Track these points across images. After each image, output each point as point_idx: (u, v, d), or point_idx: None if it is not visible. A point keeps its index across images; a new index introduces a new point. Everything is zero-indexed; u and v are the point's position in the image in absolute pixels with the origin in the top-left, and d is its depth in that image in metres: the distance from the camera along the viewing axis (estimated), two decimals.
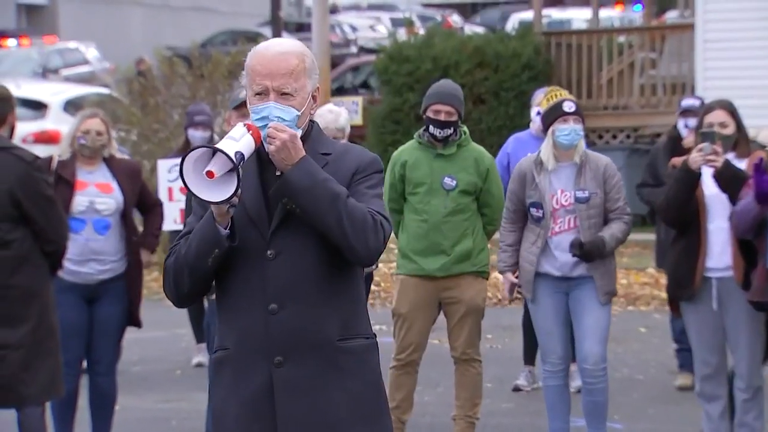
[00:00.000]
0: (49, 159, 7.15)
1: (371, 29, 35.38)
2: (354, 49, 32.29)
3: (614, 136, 16.86)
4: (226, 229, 3.79)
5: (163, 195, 9.37)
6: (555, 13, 32.91)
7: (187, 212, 6.74)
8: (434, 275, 7.19)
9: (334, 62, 20.93)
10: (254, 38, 25.11)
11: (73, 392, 7.12)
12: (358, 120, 15.66)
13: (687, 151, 6.78)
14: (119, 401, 7.41)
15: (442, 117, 7.17)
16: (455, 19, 34.78)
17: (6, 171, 6.39)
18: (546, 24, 23.37)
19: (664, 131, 10.22)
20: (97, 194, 7.09)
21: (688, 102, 9.07)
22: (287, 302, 3.81)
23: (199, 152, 3.71)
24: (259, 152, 3.86)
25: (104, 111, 7.93)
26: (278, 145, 3.77)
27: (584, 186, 6.92)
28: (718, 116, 6.52)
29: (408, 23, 21.69)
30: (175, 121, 14.77)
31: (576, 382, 8.03)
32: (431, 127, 7.21)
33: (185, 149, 9.01)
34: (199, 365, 9.56)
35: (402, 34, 20.11)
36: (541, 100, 8.08)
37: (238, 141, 3.75)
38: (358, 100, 18.08)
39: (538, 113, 8.13)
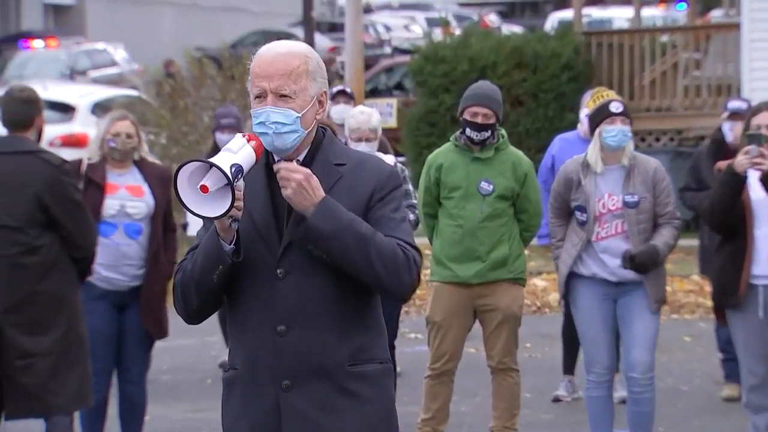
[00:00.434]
0: (79, 162, 7.19)
1: (406, 29, 35.41)
2: (388, 50, 32.35)
3: (657, 139, 16.80)
4: (230, 244, 3.71)
5: None
6: (595, 12, 32.83)
7: None
8: (469, 282, 7.18)
9: (368, 63, 20.98)
10: (286, 39, 25.13)
11: (103, 402, 7.15)
12: (393, 122, 15.64)
13: (731, 154, 6.76)
14: (148, 411, 7.43)
15: (479, 119, 7.16)
16: (492, 18, 34.75)
17: (33, 175, 6.44)
18: (586, 23, 23.31)
19: (709, 134, 10.17)
20: (128, 197, 7.10)
21: (734, 104, 9.02)
22: (295, 324, 3.74)
23: (194, 165, 3.62)
24: (268, 161, 3.79)
25: (133, 113, 7.97)
26: (294, 187, 3.68)
27: (633, 190, 6.87)
28: (765, 118, 6.49)
29: (444, 23, 21.67)
30: (204, 124, 14.83)
31: (619, 393, 8.00)
32: (468, 130, 7.20)
33: (214, 153, 9.03)
34: None
35: (437, 34, 20.10)
36: (588, 102, 8.05)
37: (235, 153, 3.65)
38: (393, 102, 18.07)
39: (587, 115, 8.10)
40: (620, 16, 31.26)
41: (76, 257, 6.53)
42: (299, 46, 3.82)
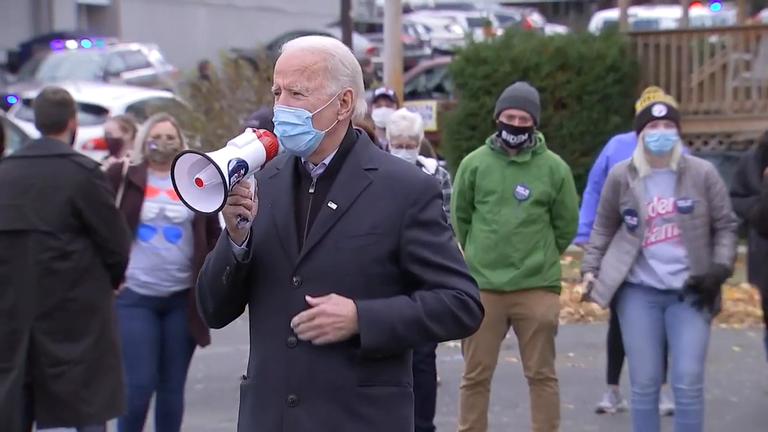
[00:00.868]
0: (120, 165, 7.23)
1: (446, 29, 35.40)
2: (428, 51, 32.35)
3: (705, 143, 16.73)
4: (241, 245, 3.63)
5: None
6: (642, 12, 32.71)
7: None
8: (503, 289, 7.15)
9: (407, 65, 21.00)
10: None
11: (142, 410, 7.16)
12: (432, 125, 15.64)
13: None
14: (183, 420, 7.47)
15: (515, 122, 7.14)
16: (535, 18, 34.69)
17: (66, 179, 6.48)
18: (632, 23, 23.24)
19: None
20: (168, 201, 7.10)
21: None
22: None
23: (194, 158, 3.52)
24: (297, 164, 3.70)
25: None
26: (328, 337, 3.58)
27: (686, 194, 6.83)
28: None
29: (485, 23, 21.65)
30: (240, 127, 14.90)
31: (665, 405, 7.96)
32: (504, 133, 7.18)
33: None
34: None
35: (479, 34, 20.09)
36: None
37: (240, 148, 3.54)
38: (432, 104, 18.04)
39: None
40: (667, 16, 31.15)
41: (109, 263, 6.56)
42: (322, 42, 3.69)
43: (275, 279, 3.66)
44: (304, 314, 3.60)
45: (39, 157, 6.56)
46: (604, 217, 7.00)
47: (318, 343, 3.60)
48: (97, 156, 9.57)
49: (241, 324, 4.01)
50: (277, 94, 3.67)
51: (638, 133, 6.98)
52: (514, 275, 7.13)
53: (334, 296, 3.59)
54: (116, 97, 21.16)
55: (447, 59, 21.44)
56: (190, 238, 7.14)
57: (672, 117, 6.91)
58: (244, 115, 14.99)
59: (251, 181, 3.59)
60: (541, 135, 7.31)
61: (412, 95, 20.87)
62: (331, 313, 3.58)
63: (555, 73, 16.86)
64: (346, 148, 3.69)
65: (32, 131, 13.72)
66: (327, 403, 3.63)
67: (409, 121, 7.88)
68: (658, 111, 6.91)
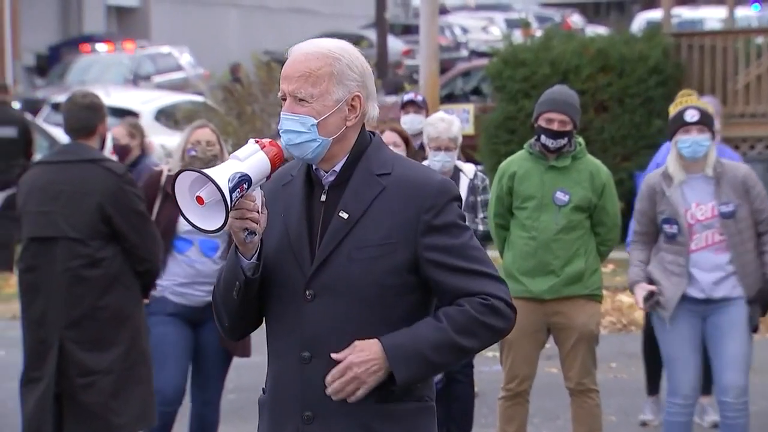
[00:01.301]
0: (158, 173, 7.22)
1: (483, 31, 35.41)
2: (465, 53, 32.35)
3: (752, 147, 16.65)
4: (251, 259, 3.59)
5: None
6: (686, 12, 32.61)
7: None
8: (542, 297, 7.12)
9: (444, 67, 20.97)
10: (357, 41, 25.26)
11: (170, 421, 7.14)
12: (470, 129, 15.62)
13: None
14: None
15: (555, 126, 7.11)
16: (575, 19, 34.64)
17: (96, 184, 6.50)
18: (676, 24, 23.16)
19: None
20: None
21: None
22: (321, 351, 3.59)
23: (194, 175, 3.45)
24: (309, 172, 3.66)
25: (197, 120, 8.02)
26: (367, 385, 3.54)
27: (727, 199, 6.81)
28: None
29: (524, 24, 21.65)
30: (273, 131, 14.94)
31: (711, 417, 7.93)
32: (543, 137, 7.15)
33: None
34: None
35: (517, 35, 20.08)
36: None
37: (242, 161, 3.48)
38: (470, 107, 18.03)
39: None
40: (712, 17, 31.03)
41: (139, 271, 6.58)
42: (328, 46, 3.62)
43: (288, 292, 3.64)
44: (335, 371, 3.55)
45: (68, 163, 6.59)
46: (641, 234, 6.94)
47: (360, 396, 3.56)
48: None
49: None
50: (284, 100, 3.63)
51: (671, 138, 6.95)
52: (554, 283, 7.11)
53: (357, 343, 3.56)
54: (146, 101, 21.23)
55: (484, 61, 21.42)
56: (227, 251, 7.13)
57: (705, 122, 6.85)
58: (276, 119, 15.03)
59: (257, 194, 3.54)
60: (581, 139, 7.28)
61: (449, 98, 20.85)
62: (361, 361, 3.54)
63: (596, 76, 16.81)
64: (358, 153, 3.64)
65: (61, 136, 13.81)
66: (343, 420, 3.59)
67: (447, 122, 7.87)
68: (691, 116, 6.86)
